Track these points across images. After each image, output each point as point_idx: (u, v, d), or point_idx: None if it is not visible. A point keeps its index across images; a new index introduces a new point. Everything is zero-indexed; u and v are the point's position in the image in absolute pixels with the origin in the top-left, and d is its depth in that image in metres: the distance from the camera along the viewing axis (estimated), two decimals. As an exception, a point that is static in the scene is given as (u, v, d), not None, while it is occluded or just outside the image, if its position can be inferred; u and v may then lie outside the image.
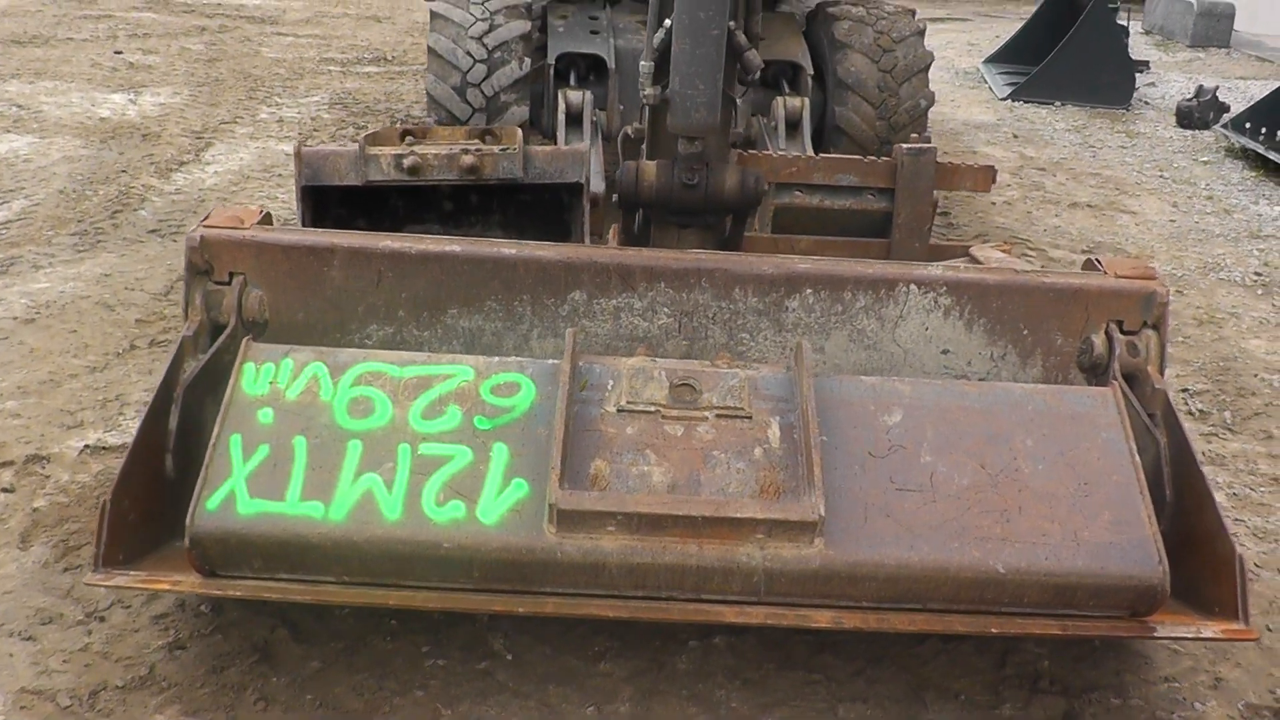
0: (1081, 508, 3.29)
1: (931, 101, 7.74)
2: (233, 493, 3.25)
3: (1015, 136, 12.16)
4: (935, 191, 6.07)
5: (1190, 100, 13.03)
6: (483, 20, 7.44)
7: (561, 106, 7.33)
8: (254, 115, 11.31)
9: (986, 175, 6.09)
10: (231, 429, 3.35)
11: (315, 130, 10.78)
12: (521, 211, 5.73)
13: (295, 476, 3.28)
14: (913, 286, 3.84)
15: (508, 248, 3.82)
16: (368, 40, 16.52)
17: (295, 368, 3.48)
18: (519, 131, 5.46)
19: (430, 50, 7.46)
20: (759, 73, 4.18)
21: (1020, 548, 3.22)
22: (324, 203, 5.32)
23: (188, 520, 3.20)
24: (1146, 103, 14.33)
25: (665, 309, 3.84)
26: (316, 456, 3.31)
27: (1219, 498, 4.78)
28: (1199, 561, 3.44)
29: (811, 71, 7.77)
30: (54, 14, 17.19)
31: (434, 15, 7.59)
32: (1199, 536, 3.47)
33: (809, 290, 3.83)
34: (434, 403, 3.40)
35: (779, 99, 7.49)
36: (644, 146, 4.49)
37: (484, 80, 7.30)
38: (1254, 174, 10.94)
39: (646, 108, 4.26)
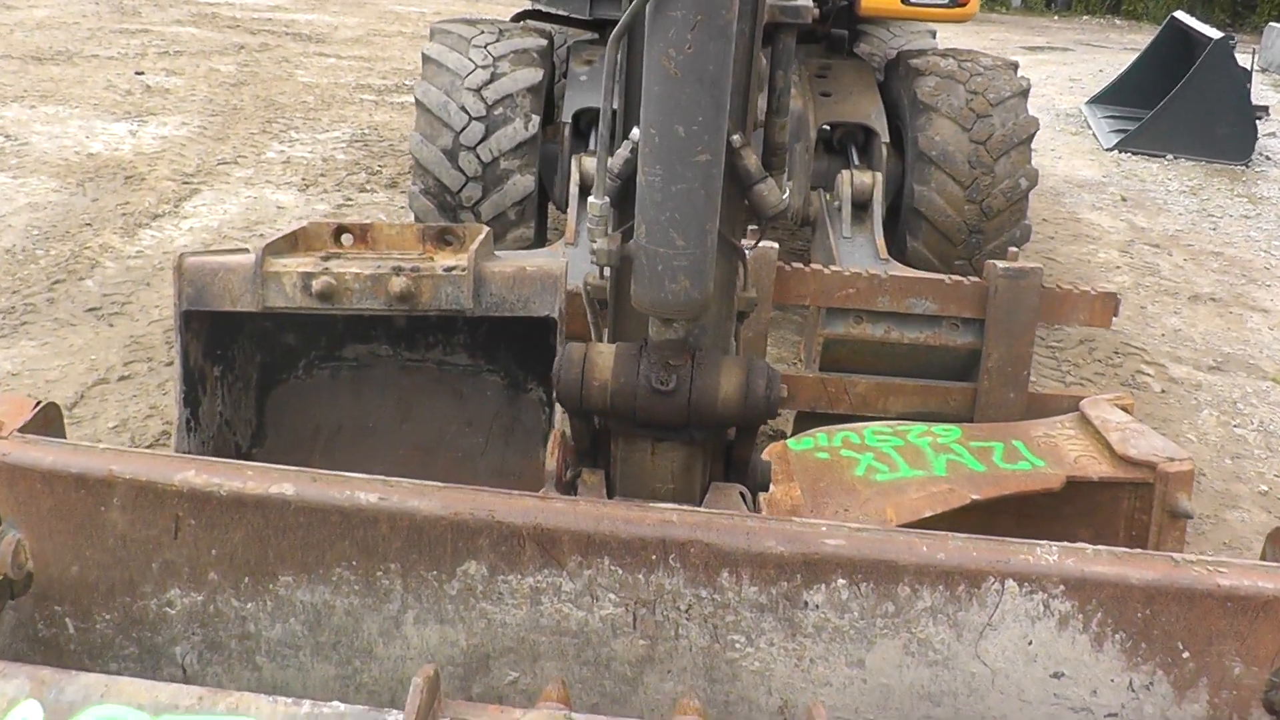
0: None
1: (1034, 182, 6.26)
2: None
3: (1124, 199, 10.60)
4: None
5: (1325, 161, 11.42)
6: (484, 68, 6.06)
7: (575, 176, 5.95)
8: (260, 154, 10.07)
9: (1106, 306, 4.62)
10: None
11: (323, 175, 9.50)
12: (494, 333, 4.39)
13: None
14: (1010, 583, 2.41)
15: (365, 491, 2.45)
16: (415, 63, 15.28)
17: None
18: (484, 233, 4.11)
19: (418, 104, 6.10)
20: (782, 212, 2.77)
21: None
22: (233, 318, 3.99)
23: None
24: (1268, 157, 12.71)
25: (611, 595, 2.45)
26: None
27: None
28: None
29: (887, 138, 6.32)
30: (90, 27, 16.16)
31: (425, 60, 6.22)
32: None
33: (842, 580, 2.41)
34: (190, 795, 2.03)
35: (845, 173, 6.06)
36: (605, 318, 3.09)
37: (480, 142, 5.93)
38: (1407, 258, 9.33)
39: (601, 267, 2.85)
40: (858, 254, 5.70)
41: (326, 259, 3.93)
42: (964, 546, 2.43)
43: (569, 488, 2.93)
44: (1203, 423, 6.14)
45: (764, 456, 4.29)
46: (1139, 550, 2.51)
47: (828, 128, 6.53)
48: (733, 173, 2.63)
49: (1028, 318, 4.51)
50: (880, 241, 5.77)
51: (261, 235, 7.85)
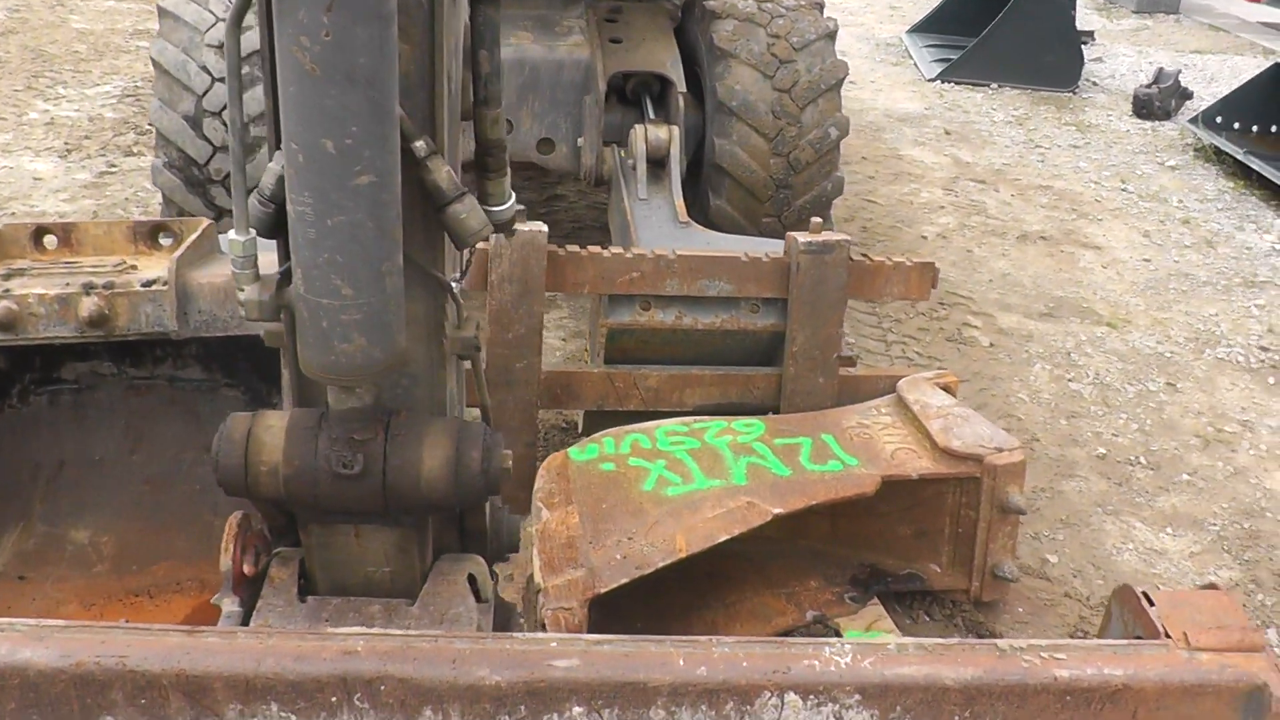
0: None
1: (844, 131, 5.76)
2: None
3: (947, 133, 10.22)
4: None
5: (1149, 87, 11.17)
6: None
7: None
8: (21, 115, 9.12)
9: (924, 277, 4.14)
10: None
11: (87, 137, 8.62)
12: (231, 342, 3.73)
13: None
14: (791, 696, 1.90)
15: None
16: (204, 6, 14.21)
17: None
18: (199, 231, 3.49)
19: (155, 65, 5.36)
20: (491, 232, 2.18)
21: None
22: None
23: None
24: (1095, 83, 12.46)
25: (279, 744, 1.88)
26: None
27: None
28: None
29: (683, 88, 5.75)
30: None
31: (161, 13, 5.46)
32: None
33: (578, 708, 1.88)
34: None
35: (639, 128, 5.48)
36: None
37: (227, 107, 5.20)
38: (1231, 185, 9.10)
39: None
40: (655, 216, 5.16)
41: (8, 276, 3.28)
42: (732, 655, 1.91)
43: (255, 585, 2.35)
44: (1035, 379, 5.77)
45: (542, 470, 3.77)
46: (956, 641, 2.02)
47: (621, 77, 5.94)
48: (421, 189, 2.04)
49: (835, 295, 4.02)
50: (679, 203, 5.22)
51: (14, 215, 7.01)
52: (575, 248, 3.94)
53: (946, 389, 4.16)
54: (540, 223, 3.87)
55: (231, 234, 2.04)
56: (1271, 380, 5.90)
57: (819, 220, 4.07)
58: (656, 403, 4.13)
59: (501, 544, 2.60)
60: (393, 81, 1.82)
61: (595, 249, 3.95)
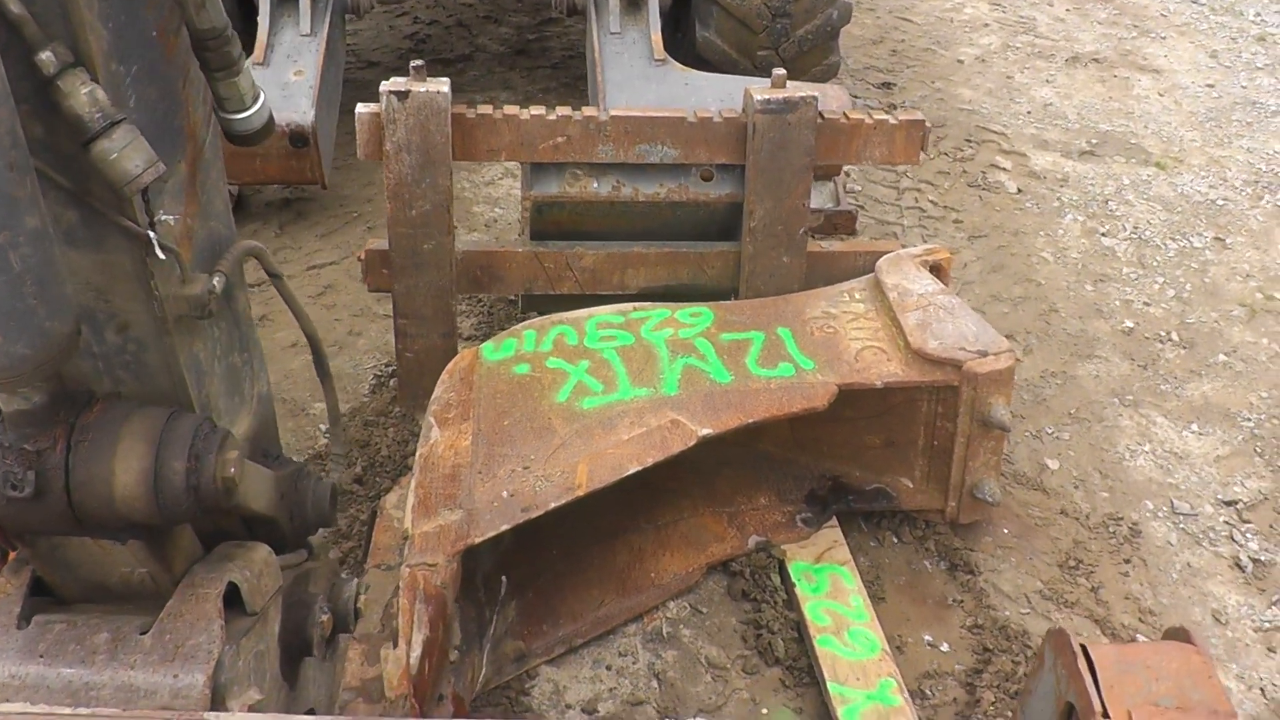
0: None
1: (854, -51, 5.04)
2: None
3: (1003, -64, 9.30)
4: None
5: (1234, -122, 10.09)
6: None
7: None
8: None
9: (912, 137, 3.49)
10: None
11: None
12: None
13: None
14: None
15: None
16: None
17: None
18: None
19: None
20: (161, 172, 1.58)
21: None
22: None
23: None
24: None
25: None
26: None
27: None
28: None
29: (665, -102, 5.03)
30: None
31: None
32: None
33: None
34: None
35: (612, -52, 4.80)
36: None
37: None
38: (1319, -5, 8.19)
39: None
40: (627, 53, 4.52)
41: None
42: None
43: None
44: (1064, 233, 5.11)
45: (445, 374, 3.24)
46: None
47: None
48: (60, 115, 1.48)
49: (800, 161, 3.40)
50: (656, 36, 4.56)
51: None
52: (487, 108, 3.33)
53: (936, 269, 3.57)
54: (444, 79, 3.26)
55: None
56: (1340, 235, 5.22)
57: (782, 72, 3.42)
58: (594, 285, 3.58)
59: (307, 521, 2.12)
60: None
61: (511, 109, 3.34)
